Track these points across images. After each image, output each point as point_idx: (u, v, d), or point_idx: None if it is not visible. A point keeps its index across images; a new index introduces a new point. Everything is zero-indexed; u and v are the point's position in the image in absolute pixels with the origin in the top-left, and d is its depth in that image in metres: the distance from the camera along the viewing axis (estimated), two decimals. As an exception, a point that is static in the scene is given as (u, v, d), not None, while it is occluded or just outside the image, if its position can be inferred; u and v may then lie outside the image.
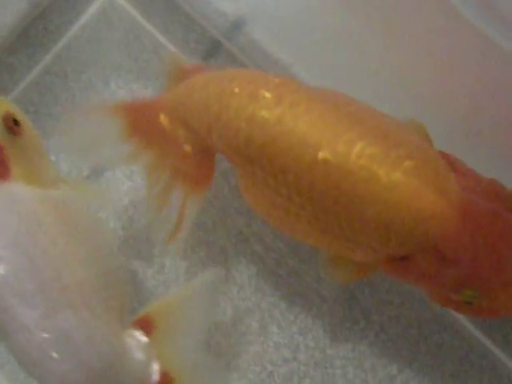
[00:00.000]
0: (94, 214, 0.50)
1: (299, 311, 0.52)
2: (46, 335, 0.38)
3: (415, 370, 0.51)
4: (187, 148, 0.47)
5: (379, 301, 0.51)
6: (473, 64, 0.45)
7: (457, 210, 0.38)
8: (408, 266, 0.41)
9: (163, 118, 0.47)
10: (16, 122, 0.41)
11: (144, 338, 0.43)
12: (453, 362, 0.51)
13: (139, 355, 0.42)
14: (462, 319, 0.51)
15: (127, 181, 0.53)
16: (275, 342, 0.51)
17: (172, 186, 0.47)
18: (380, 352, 0.51)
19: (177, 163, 0.47)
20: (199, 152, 0.47)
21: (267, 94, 0.41)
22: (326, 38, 0.51)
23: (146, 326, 0.43)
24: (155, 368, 0.42)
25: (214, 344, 0.51)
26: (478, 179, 0.41)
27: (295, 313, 0.52)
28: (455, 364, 0.51)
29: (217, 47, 0.55)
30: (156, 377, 0.43)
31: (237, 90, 0.42)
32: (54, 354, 0.38)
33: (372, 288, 0.52)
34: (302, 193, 0.41)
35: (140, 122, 0.47)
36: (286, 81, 0.43)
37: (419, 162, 0.39)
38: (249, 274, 0.52)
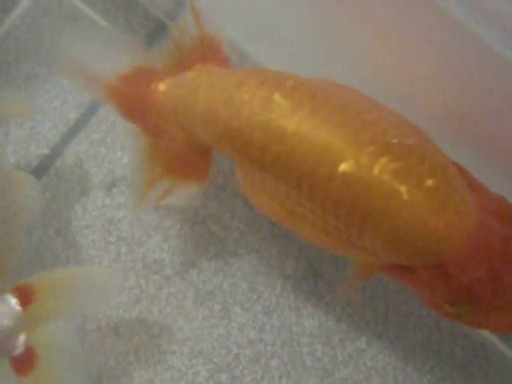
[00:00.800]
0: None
1: (262, 290, 0.51)
2: None
3: (385, 343, 0.50)
4: (181, 145, 0.45)
5: (344, 275, 0.50)
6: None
7: (471, 232, 0.38)
8: (409, 274, 0.41)
9: (156, 115, 0.45)
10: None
11: (18, 307, 0.41)
12: (422, 332, 0.50)
13: (7, 322, 0.40)
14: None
15: (77, 169, 0.53)
16: (239, 323, 0.50)
17: (161, 176, 0.46)
18: (347, 326, 0.50)
19: (169, 156, 0.46)
20: (195, 150, 0.45)
21: (282, 101, 0.39)
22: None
23: (25, 295, 0.41)
24: (21, 340, 0.41)
25: (176, 329, 0.50)
26: (489, 197, 0.40)
27: (258, 292, 0.50)
28: (425, 334, 0.50)
29: (161, 28, 0.53)
30: (20, 350, 0.41)
31: (246, 96, 0.40)
32: None
33: (336, 262, 0.51)
34: (314, 200, 0.39)
35: (132, 109, 0.45)
36: (300, 81, 0.41)
37: (441, 181, 0.38)
38: (208, 256, 0.51)
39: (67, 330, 0.43)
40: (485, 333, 0.50)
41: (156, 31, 0.53)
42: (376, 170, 0.37)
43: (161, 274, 0.51)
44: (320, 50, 0.48)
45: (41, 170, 0.53)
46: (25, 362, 0.42)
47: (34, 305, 0.42)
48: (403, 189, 0.37)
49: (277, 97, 0.39)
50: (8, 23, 0.52)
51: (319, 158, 0.38)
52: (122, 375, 0.50)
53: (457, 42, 0.41)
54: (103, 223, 0.52)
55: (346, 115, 0.39)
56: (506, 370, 0.50)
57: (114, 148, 0.53)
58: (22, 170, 0.52)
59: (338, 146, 0.37)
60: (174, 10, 0.52)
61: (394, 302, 0.50)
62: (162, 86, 0.44)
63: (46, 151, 0.53)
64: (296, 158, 0.39)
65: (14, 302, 0.41)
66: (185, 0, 0.51)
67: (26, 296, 0.42)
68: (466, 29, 0.39)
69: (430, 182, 0.37)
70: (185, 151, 0.46)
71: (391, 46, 0.44)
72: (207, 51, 0.45)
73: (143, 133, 0.46)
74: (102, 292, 0.44)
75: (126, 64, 0.45)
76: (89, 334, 0.51)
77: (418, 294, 0.43)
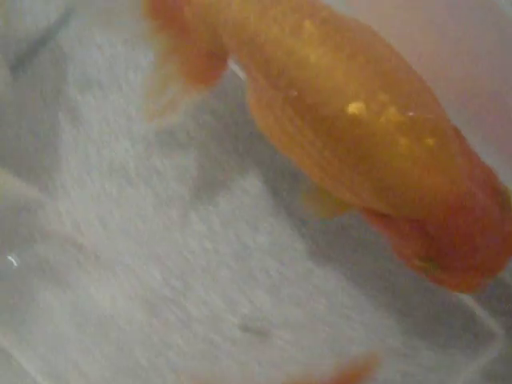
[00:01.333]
0: None
1: (221, 203, 0.52)
2: None
3: (335, 265, 0.50)
4: (203, 46, 0.46)
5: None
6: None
7: (456, 197, 0.39)
8: (387, 222, 0.42)
9: (187, 10, 0.45)
10: None
11: None
12: (373, 259, 0.50)
13: None
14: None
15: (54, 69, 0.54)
16: (195, 231, 0.52)
17: (175, 74, 0.46)
18: (300, 246, 0.51)
19: (187, 56, 0.46)
20: (213, 54, 0.46)
21: (312, 29, 0.40)
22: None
23: None
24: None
25: (133, 231, 0.52)
26: (479, 167, 0.42)
27: (216, 204, 0.51)
28: (376, 262, 0.50)
29: None
30: None
31: (279, 15, 0.41)
32: None
33: (295, 180, 0.51)
34: (317, 132, 0.40)
35: (161, 4, 0.46)
36: (332, 15, 0.41)
37: (439, 143, 0.39)
38: (171, 164, 0.52)
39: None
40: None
41: None
42: (383, 118, 0.38)
43: (125, 178, 0.53)
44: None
45: (18, 68, 0.55)
46: None
47: None
48: (403, 141, 0.38)
49: (307, 24, 0.40)
50: None
51: (333, 92, 0.39)
52: (80, 271, 0.53)
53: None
54: (74, 124, 0.54)
55: (368, 59, 0.39)
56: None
57: (90, 49, 0.54)
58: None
59: (353, 86, 0.38)
60: None
61: (346, 225, 0.50)
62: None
63: (24, 49, 0.55)
64: (310, 88, 0.39)
65: None
66: None
67: None
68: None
69: (429, 142, 0.39)
70: (205, 53, 0.46)
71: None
72: None
73: (165, 30, 0.46)
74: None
75: None
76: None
77: (392, 243, 0.44)
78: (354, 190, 0.41)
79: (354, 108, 0.38)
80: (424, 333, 0.51)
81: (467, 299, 0.52)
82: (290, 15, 0.40)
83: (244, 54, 0.43)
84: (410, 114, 0.39)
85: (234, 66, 0.50)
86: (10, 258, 0.54)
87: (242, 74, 0.50)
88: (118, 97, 0.54)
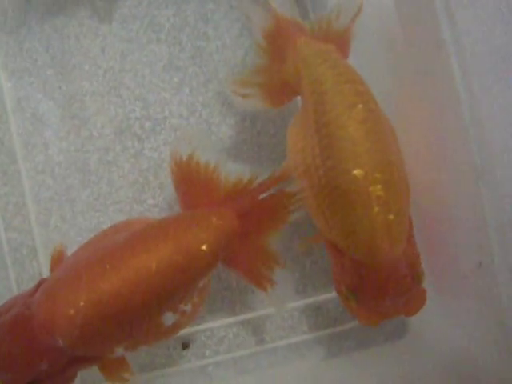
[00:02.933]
0: None
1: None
2: None
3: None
4: (287, 76, 0.62)
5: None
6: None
7: (389, 260, 0.54)
8: (339, 255, 0.57)
9: (291, 52, 0.61)
10: None
11: None
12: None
13: None
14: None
15: None
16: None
17: (262, 83, 0.63)
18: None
19: (274, 76, 0.63)
20: (289, 87, 0.62)
21: (360, 112, 0.56)
22: None
23: None
24: None
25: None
26: (414, 250, 0.57)
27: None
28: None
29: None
30: None
31: (346, 89, 0.57)
32: None
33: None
34: (327, 174, 0.56)
35: (277, 43, 0.62)
36: (375, 103, 0.57)
37: (397, 220, 0.54)
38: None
39: None
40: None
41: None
42: (371, 189, 0.54)
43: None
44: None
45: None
46: None
47: None
48: (377, 210, 0.54)
49: (360, 107, 0.56)
50: None
51: (351, 155, 0.54)
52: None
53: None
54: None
55: (383, 148, 0.55)
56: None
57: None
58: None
59: (365, 160, 0.54)
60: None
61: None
62: (305, 39, 0.61)
63: None
64: (338, 144, 0.55)
65: None
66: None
67: None
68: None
69: (391, 217, 0.54)
70: (285, 81, 0.62)
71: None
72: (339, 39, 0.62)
73: (273, 52, 0.63)
74: None
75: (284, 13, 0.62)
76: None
77: (335, 269, 0.59)
78: (330, 223, 0.57)
79: (357, 172, 0.54)
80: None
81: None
82: (350, 96, 0.56)
83: (308, 98, 0.58)
84: (388, 194, 0.54)
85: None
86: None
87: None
88: None
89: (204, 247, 0.55)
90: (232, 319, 0.70)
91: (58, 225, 0.71)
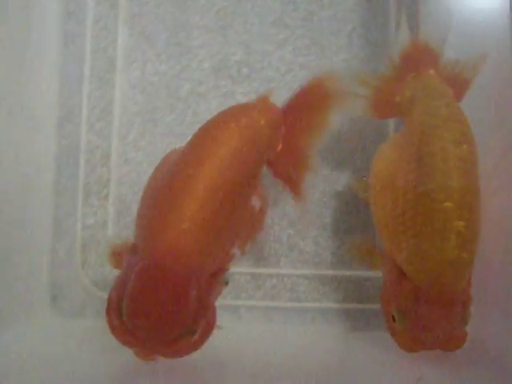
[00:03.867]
0: None
1: None
2: None
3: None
4: (398, 95, 0.65)
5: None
6: None
7: (451, 294, 0.57)
8: (399, 275, 0.59)
9: (417, 84, 0.64)
10: None
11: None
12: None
13: None
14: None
15: None
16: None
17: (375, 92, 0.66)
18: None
19: (388, 92, 0.65)
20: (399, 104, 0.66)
21: (465, 149, 0.59)
22: None
23: None
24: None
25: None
26: (470, 291, 0.59)
27: None
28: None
29: None
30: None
31: (455, 127, 0.60)
32: None
33: None
34: (410, 198, 0.58)
35: (409, 64, 0.65)
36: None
37: (470, 261, 0.58)
38: None
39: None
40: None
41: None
42: (455, 223, 0.57)
43: None
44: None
45: None
46: None
47: None
48: (454, 244, 0.56)
49: (464, 147, 0.59)
50: None
51: (448, 188, 0.57)
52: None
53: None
54: None
55: (476, 189, 0.59)
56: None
57: None
58: None
59: (459, 195, 0.58)
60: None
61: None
62: (433, 72, 0.64)
63: None
64: (437, 176, 0.58)
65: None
66: None
67: None
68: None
69: (466, 255, 0.57)
70: (397, 101, 0.65)
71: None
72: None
73: (398, 68, 0.66)
74: None
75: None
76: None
77: (387, 287, 0.60)
78: (403, 245, 0.58)
79: (448, 205, 0.56)
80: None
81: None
82: (458, 134, 0.59)
83: (418, 128, 0.61)
84: (468, 233, 0.57)
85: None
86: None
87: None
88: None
89: (262, 122, 0.60)
90: (274, 270, 0.73)
91: (135, 140, 0.74)
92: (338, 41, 0.75)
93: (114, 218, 0.73)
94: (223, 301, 0.72)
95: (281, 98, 0.73)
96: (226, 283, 0.71)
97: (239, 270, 0.73)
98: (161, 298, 0.52)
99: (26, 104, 0.69)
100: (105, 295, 0.71)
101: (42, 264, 0.72)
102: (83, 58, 0.75)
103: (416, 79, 0.65)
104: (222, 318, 0.72)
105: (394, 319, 0.59)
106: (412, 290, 0.57)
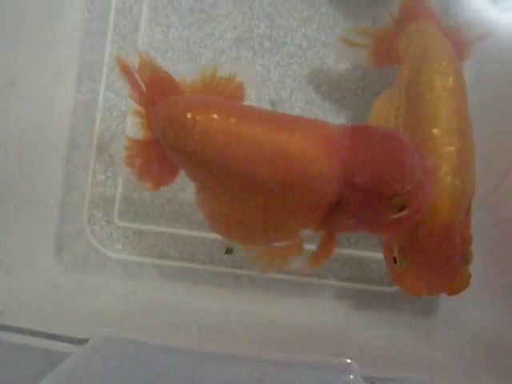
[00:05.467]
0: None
1: None
2: None
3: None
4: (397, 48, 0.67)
5: None
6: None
7: (447, 227, 0.56)
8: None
9: (415, 31, 0.65)
10: None
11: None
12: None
13: None
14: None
15: None
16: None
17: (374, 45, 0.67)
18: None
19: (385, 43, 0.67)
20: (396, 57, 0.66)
21: (452, 80, 0.59)
22: None
23: None
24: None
25: None
26: (468, 231, 0.59)
27: None
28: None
29: None
30: None
31: (445, 62, 0.59)
32: None
33: None
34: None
35: (406, 15, 0.66)
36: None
37: (464, 190, 0.56)
38: None
39: None
40: None
41: None
42: (445, 149, 0.57)
43: None
44: None
45: None
46: None
47: None
48: (445, 170, 0.57)
49: (451, 79, 0.59)
50: None
51: (435, 116, 0.58)
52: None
53: None
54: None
55: (465, 118, 0.59)
56: None
57: None
58: None
59: (447, 122, 0.58)
60: None
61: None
62: (431, 23, 0.65)
63: None
64: (424, 106, 0.59)
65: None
66: None
67: None
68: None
69: (459, 181, 0.57)
70: (395, 48, 0.66)
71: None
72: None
73: (397, 19, 0.67)
74: None
75: None
76: None
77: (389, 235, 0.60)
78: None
79: (436, 131, 0.57)
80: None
81: None
82: (447, 68, 0.59)
83: (409, 63, 0.62)
84: (459, 160, 0.56)
85: None
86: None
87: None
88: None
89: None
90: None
91: (153, 102, 0.75)
92: (362, 23, 0.75)
93: (124, 176, 0.74)
94: (225, 268, 0.74)
95: (302, 73, 0.74)
96: (231, 252, 0.72)
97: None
98: None
99: (48, 56, 0.70)
100: (108, 253, 0.72)
101: (50, 215, 0.73)
102: (108, 15, 0.75)
103: (414, 27, 0.66)
104: (223, 286, 0.74)
105: (395, 261, 0.58)
106: (411, 228, 0.56)
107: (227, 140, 0.50)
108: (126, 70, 0.58)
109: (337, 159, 0.50)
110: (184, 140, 0.52)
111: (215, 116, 0.51)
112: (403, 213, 0.51)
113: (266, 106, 0.74)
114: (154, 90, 0.57)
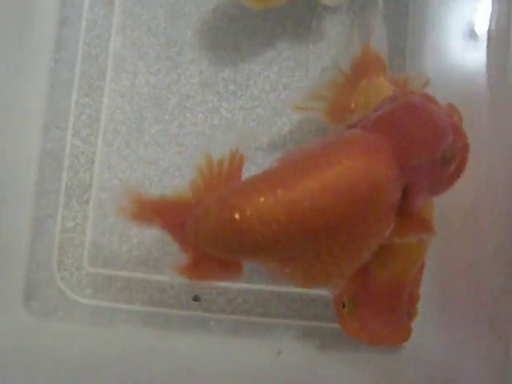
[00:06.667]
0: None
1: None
2: None
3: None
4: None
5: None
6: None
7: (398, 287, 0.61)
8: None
9: (367, 90, 0.66)
10: None
11: None
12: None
13: None
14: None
15: None
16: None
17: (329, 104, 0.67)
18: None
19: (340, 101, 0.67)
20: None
21: None
22: None
23: None
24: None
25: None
26: (417, 291, 0.63)
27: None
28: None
29: None
30: None
31: None
32: None
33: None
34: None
35: (359, 72, 0.67)
36: None
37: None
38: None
39: None
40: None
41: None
42: None
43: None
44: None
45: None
46: None
47: None
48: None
49: None
50: None
51: None
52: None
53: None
54: None
55: None
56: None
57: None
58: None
59: None
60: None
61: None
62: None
63: None
64: None
65: None
66: None
67: None
68: None
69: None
70: (350, 107, 0.67)
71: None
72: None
73: (349, 77, 0.68)
74: None
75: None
76: None
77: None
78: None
79: None
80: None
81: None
82: None
83: None
84: None
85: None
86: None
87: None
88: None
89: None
90: (246, 286, 0.74)
91: (120, 148, 0.76)
92: (322, 64, 0.77)
93: (93, 222, 0.74)
94: (193, 312, 0.74)
95: (265, 115, 0.75)
96: (198, 299, 0.72)
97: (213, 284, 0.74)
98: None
99: (15, 105, 0.71)
100: (78, 299, 0.72)
101: (19, 263, 0.73)
102: (74, 64, 0.77)
103: (367, 85, 0.67)
104: (192, 330, 0.74)
105: (343, 306, 0.61)
106: (362, 277, 0.59)
107: (290, 208, 0.47)
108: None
109: (386, 156, 0.50)
110: (248, 241, 0.48)
111: (261, 200, 0.47)
112: (456, 161, 0.53)
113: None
114: (166, 219, 0.55)
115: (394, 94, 0.58)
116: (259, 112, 0.76)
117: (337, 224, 0.48)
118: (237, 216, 0.47)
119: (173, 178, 0.75)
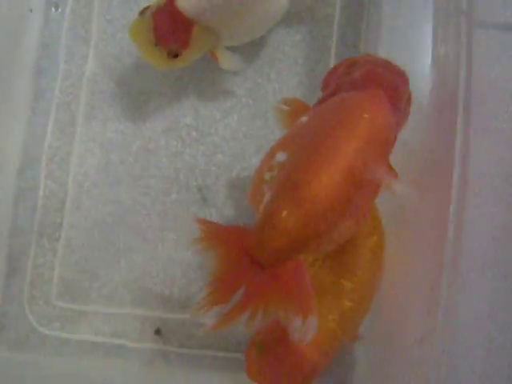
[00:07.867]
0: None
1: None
2: None
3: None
4: None
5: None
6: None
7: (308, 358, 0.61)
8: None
9: None
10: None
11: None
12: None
13: None
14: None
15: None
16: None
17: None
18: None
19: None
20: None
21: None
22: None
23: None
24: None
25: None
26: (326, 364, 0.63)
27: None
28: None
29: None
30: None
31: None
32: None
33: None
34: None
35: None
36: None
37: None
38: None
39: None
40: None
41: None
42: None
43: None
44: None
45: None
46: None
47: None
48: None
49: None
50: None
51: None
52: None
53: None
54: None
55: None
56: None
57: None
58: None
59: None
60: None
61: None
62: None
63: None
64: None
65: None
66: None
67: None
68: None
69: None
70: None
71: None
72: None
73: None
74: None
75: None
76: None
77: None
78: None
79: None
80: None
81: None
82: None
83: None
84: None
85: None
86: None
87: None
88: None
89: None
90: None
91: (89, 188, 0.81)
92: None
93: (61, 259, 0.80)
94: (154, 344, 0.78)
95: (225, 161, 0.80)
96: (159, 333, 0.76)
97: (174, 316, 0.78)
98: None
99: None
100: (46, 331, 0.77)
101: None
102: (49, 111, 0.82)
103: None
104: (154, 362, 0.78)
105: (254, 346, 0.62)
106: (278, 325, 0.56)
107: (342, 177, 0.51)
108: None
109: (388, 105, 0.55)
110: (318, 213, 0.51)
111: (321, 174, 0.51)
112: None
113: (193, 191, 0.79)
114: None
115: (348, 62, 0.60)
116: (220, 158, 0.81)
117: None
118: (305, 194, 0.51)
119: (137, 216, 0.80)
